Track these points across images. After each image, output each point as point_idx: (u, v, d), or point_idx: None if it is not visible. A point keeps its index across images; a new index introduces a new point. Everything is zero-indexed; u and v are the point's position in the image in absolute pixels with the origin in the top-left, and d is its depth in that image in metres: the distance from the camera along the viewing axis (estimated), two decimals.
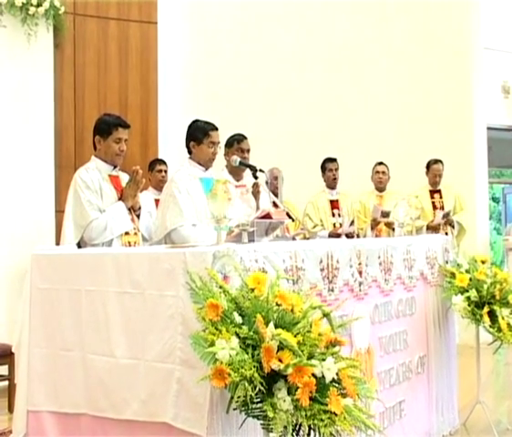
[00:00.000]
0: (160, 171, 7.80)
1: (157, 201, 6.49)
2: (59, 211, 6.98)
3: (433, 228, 8.70)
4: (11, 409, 5.91)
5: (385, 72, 10.05)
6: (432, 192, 9.20)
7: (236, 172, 5.89)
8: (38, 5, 7.55)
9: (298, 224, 8.27)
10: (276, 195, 6.99)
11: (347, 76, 9.99)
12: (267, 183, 6.65)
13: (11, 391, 6.18)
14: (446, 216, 8.79)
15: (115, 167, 5.25)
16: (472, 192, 10.08)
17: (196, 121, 5.51)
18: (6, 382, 6.59)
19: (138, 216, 5.26)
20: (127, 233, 5.08)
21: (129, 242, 5.06)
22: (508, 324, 5.32)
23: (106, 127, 5.18)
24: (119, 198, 5.14)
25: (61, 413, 3.91)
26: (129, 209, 5.16)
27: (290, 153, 9.23)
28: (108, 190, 5.12)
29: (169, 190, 5.28)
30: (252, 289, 3.14)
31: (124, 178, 5.29)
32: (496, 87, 11.03)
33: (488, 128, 10.64)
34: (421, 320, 5.43)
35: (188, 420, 3.31)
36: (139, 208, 5.28)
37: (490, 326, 5.38)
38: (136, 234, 5.16)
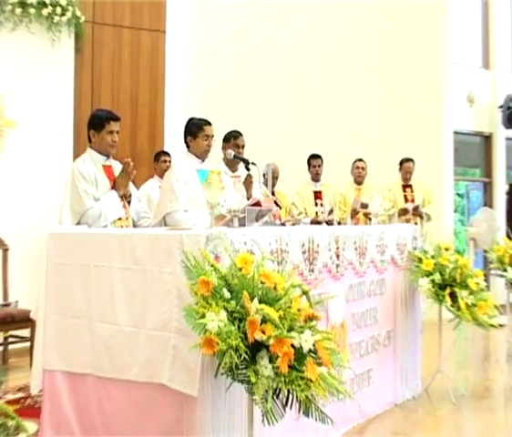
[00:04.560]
0: (165, 161, 7.68)
1: None
2: None
3: (402, 213, 8.68)
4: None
5: (367, 82, 10.00)
6: (404, 186, 9.19)
7: (231, 164, 5.82)
8: (62, 14, 7.50)
9: (288, 212, 8.24)
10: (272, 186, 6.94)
11: (335, 84, 9.91)
12: (264, 175, 6.62)
13: (32, 351, 6.17)
14: (416, 209, 8.80)
15: (108, 157, 5.10)
16: (440, 188, 10.09)
17: (191, 119, 5.43)
18: (28, 343, 6.56)
19: (129, 202, 5.11)
20: (119, 219, 4.93)
21: (122, 226, 4.91)
22: (467, 304, 5.30)
23: (99, 121, 5.01)
24: (112, 187, 5.00)
25: (70, 373, 3.90)
26: (121, 197, 5.01)
27: (282, 149, 9.14)
28: (102, 180, 4.96)
29: (169, 179, 5.21)
30: (240, 269, 3.12)
31: (116, 167, 5.13)
32: (462, 97, 11.04)
33: (455, 132, 10.64)
34: (390, 299, 5.42)
35: (182, 382, 3.31)
36: (130, 196, 5.13)
37: (451, 305, 5.38)
38: (127, 219, 5.02)
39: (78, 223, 4.77)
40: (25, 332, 6.66)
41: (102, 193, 4.91)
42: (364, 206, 7.83)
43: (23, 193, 7.33)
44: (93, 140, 5.05)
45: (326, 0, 9.89)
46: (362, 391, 4.89)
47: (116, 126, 5.03)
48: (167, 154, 7.82)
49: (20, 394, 5.57)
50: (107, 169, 5.06)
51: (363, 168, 8.88)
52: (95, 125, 5.04)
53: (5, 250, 7.09)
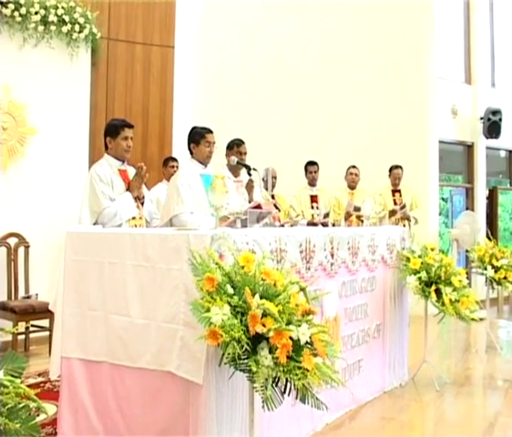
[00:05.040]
0: (173, 167, 7.64)
1: None
2: None
3: (391, 214, 8.70)
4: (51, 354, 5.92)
5: (360, 97, 10.04)
6: (393, 191, 9.21)
7: (234, 170, 5.80)
8: (80, 31, 7.52)
9: (286, 214, 8.23)
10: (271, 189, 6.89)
11: (330, 100, 9.95)
12: (263, 179, 6.59)
13: (51, 339, 6.17)
14: (402, 207, 8.85)
15: (123, 162, 5.09)
16: (426, 193, 10.09)
17: (194, 127, 5.36)
18: (48, 333, 6.61)
19: (143, 203, 5.10)
20: (133, 218, 4.93)
21: (135, 225, 4.90)
22: (450, 300, 5.29)
23: (114, 128, 5.02)
24: (127, 189, 5.00)
25: (87, 360, 3.89)
26: (135, 198, 5.01)
27: (282, 156, 9.14)
28: (118, 182, 4.97)
29: (174, 183, 5.16)
30: (243, 267, 3.10)
31: (130, 171, 5.12)
32: (446, 110, 11.05)
33: (440, 142, 10.64)
34: (380, 295, 5.40)
35: (188, 370, 3.30)
36: (143, 197, 5.12)
37: (436, 301, 5.36)
38: (140, 218, 5.01)
39: (96, 222, 4.78)
40: (45, 322, 6.68)
41: (117, 194, 4.91)
42: (357, 209, 7.83)
43: (43, 195, 7.33)
44: (109, 146, 5.05)
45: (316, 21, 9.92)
46: (353, 380, 4.89)
47: (130, 132, 5.03)
48: (175, 159, 7.80)
49: (40, 379, 5.58)
50: (123, 173, 5.05)
51: (356, 175, 8.87)
52: (111, 132, 5.04)
53: (27, 248, 7.12)
